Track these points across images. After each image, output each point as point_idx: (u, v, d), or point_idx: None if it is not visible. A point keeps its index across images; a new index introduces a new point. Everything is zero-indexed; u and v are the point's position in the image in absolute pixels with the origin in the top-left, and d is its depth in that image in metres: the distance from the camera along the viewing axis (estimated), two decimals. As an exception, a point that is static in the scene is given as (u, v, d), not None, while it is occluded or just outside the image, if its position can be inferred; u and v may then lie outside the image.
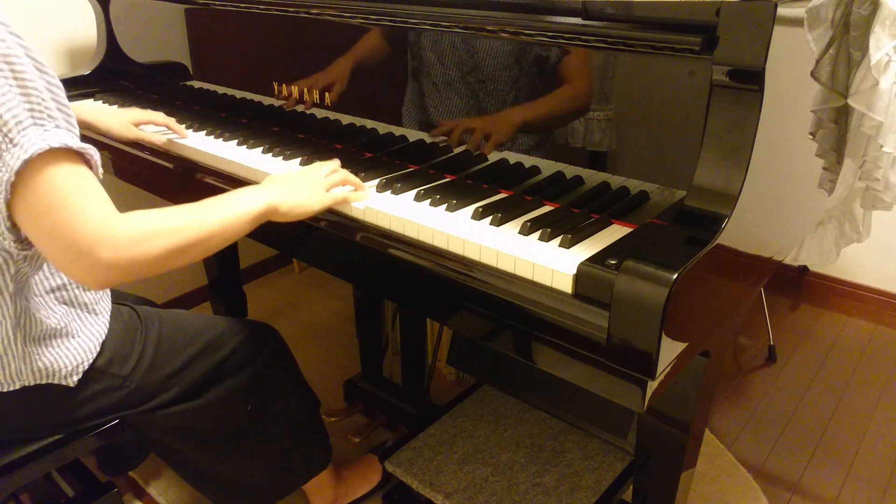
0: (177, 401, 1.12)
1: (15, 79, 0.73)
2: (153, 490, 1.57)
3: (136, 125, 1.33)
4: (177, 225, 0.83)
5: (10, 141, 0.73)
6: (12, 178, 0.73)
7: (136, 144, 1.36)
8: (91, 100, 1.65)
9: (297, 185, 0.97)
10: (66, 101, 0.79)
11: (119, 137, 1.32)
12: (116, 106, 1.58)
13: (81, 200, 0.76)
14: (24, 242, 0.82)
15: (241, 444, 1.20)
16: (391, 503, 1.47)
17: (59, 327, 0.98)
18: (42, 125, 0.75)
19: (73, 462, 1.19)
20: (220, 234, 0.87)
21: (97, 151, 0.80)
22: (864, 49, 0.91)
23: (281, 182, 0.98)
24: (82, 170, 0.78)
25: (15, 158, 0.73)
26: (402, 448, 1.41)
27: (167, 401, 1.11)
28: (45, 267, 0.98)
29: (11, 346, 0.94)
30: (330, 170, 1.02)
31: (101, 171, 0.81)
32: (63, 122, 0.78)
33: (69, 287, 1.01)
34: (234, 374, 1.17)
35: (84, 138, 0.81)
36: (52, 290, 0.99)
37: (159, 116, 1.35)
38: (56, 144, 0.74)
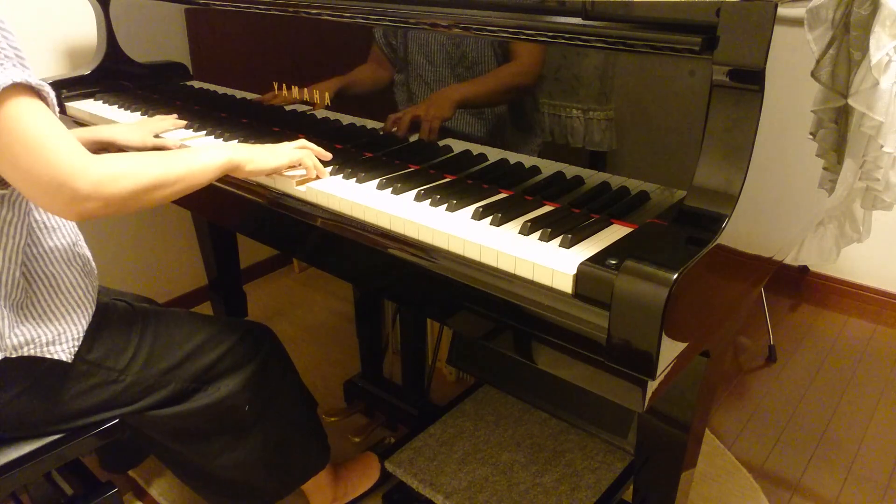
0: (173, 399, 1.12)
1: None
2: (153, 490, 1.57)
3: (156, 135, 1.35)
4: (146, 166, 0.89)
5: None
6: None
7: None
8: (91, 100, 1.65)
9: (259, 148, 1.07)
10: (16, 43, 0.82)
11: (140, 147, 1.33)
12: (116, 106, 1.58)
13: (53, 137, 0.81)
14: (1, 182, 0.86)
15: (240, 445, 1.20)
16: (391, 503, 1.47)
17: (39, 295, 0.99)
18: (0, 64, 0.78)
19: (73, 462, 1.19)
20: (185, 180, 0.94)
21: (52, 90, 0.84)
22: (865, 49, 0.91)
23: (246, 145, 1.07)
24: (44, 107, 0.82)
25: None
26: (403, 448, 1.41)
27: (163, 399, 1.11)
28: (26, 234, 0.97)
29: None
30: (296, 144, 1.11)
31: (56, 109, 0.85)
32: (16, 60, 0.80)
33: (49, 259, 1.01)
34: (230, 375, 1.17)
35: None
36: (33, 258, 1.00)
37: (169, 123, 1.38)
38: (18, 79, 0.78)
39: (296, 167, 1.08)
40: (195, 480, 1.29)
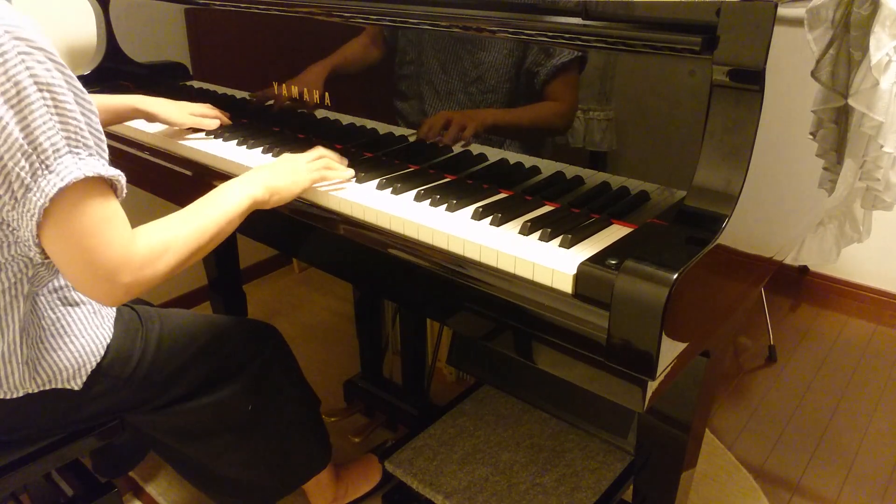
0: (178, 401, 1.12)
1: (55, 107, 0.75)
2: (153, 490, 1.57)
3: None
4: (183, 235, 0.88)
5: (47, 168, 0.75)
6: (46, 204, 0.75)
7: (136, 145, 1.38)
8: (91, 100, 1.65)
9: (279, 172, 1.02)
10: (99, 125, 0.81)
11: (179, 124, 1.33)
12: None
13: (105, 228, 0.80)
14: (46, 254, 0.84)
15: (242, 444, 1.20)
16: (391, 503, 1.47)
17: (60, 328, 0.98)
18: (77, 153, 0.77)
19: (72, 462, 1.19)
20: (218, 236, 0.93)
21: (123, 176, 0.82)
22: (865, 49, 0.91)
23: (264, 171, 1.02)
24: (109, 197, 0.81)
25: (51, 185, 0.75)
26: (402, 448, 1.41)
27: (169, 401, 1.11)
28: (38, 280, 0.97)
29: (16, 350, 0.94)
30: (313, 156, 1.07)
31: (125, 191, 0.84)
32: (96, 149, 0.79)
33: (70, 287, 1.01)
34: (235, 374, 1.17)
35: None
36: (55, 290, 0.99)
37: (209, 108, 1.38)
38: (90, 173, 0.77)
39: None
40: (197, 478, 1.29)
